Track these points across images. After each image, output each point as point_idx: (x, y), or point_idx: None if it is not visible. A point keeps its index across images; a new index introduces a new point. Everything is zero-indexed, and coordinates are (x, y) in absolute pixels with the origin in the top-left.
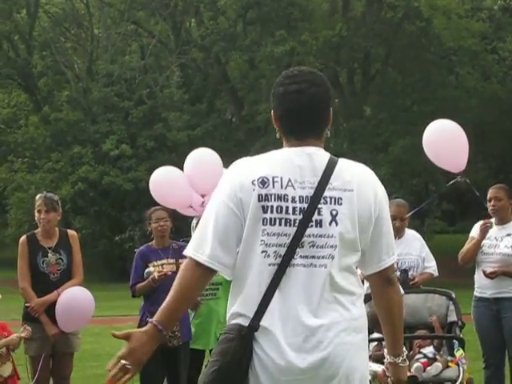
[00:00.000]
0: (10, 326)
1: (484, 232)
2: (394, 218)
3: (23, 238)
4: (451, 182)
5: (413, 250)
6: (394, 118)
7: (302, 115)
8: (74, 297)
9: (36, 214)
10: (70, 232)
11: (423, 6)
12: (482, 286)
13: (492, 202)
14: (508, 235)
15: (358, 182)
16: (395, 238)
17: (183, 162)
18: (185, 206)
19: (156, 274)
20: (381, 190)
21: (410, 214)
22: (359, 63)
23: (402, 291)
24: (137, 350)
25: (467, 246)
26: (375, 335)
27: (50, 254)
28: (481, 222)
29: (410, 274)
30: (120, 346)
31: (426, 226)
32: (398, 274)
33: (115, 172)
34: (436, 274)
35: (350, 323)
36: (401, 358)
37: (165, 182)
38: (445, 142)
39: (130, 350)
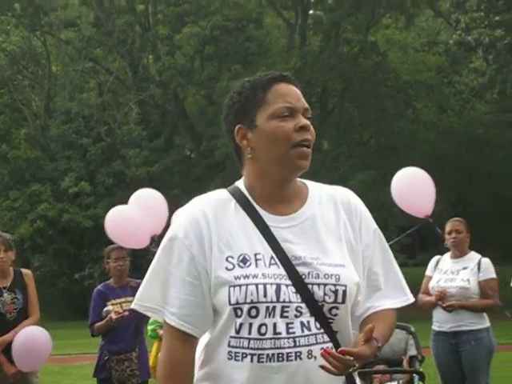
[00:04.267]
0: None
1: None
2: None
3: None
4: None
5: None
6: (352, 151)
7: None
8: (31, 337)
9: None
10: (25, 271)
11: (379, 40)
12: (441, 320)
13: (453, 235)
14: (464, 268)
15: None
16: None
17: None
18: (142, 245)
19: (113, 316)
20: None
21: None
22: (317, 97)
23: None
24: None
25: (425, 298)
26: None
27: (5, 294)
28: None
29: None
30: None
31: None
32: None
33: (74, 209)
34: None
35: None
36: None
37: (121, 222)
38: (413, 192)
39: None
